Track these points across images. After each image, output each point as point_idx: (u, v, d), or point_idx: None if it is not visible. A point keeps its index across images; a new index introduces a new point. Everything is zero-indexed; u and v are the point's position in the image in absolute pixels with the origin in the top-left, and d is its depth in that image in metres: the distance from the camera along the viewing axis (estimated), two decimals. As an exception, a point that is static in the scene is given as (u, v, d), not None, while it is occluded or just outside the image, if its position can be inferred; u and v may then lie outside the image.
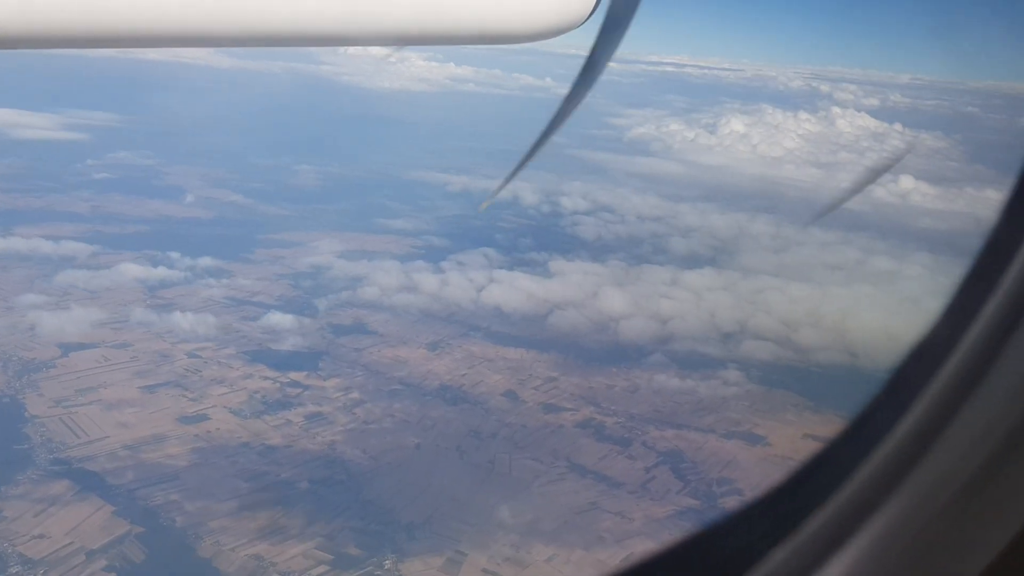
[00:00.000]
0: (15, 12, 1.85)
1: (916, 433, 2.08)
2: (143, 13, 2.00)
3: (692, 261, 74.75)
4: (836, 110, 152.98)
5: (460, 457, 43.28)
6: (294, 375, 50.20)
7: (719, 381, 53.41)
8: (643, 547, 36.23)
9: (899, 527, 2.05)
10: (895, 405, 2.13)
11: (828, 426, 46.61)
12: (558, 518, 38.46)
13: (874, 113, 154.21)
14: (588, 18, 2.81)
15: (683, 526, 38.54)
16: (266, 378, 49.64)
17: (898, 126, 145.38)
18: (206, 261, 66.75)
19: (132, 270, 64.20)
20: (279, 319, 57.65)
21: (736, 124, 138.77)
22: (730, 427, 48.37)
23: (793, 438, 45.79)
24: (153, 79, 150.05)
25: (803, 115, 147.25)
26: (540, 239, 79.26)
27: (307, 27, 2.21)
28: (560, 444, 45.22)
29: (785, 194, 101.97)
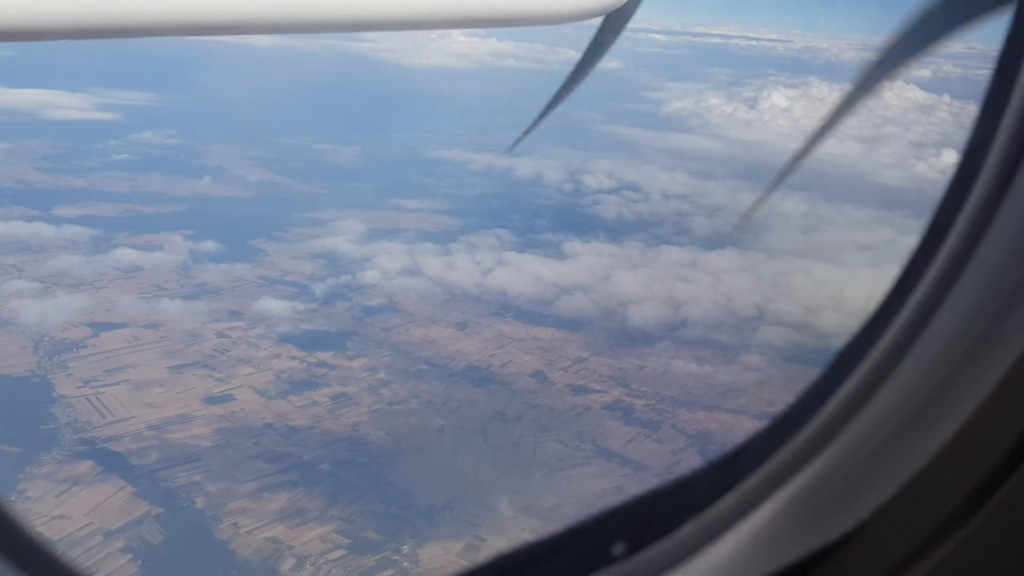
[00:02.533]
0: (48, 4, 1.80)
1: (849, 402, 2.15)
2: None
3: (717, 241, 73.18)
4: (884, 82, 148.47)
5: (484, 440, 42.85)
6: (321, 355, 50.12)
7: (752, 362, 52.35)
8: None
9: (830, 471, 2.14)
10: (834, 379, 2.19)
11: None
12: (581, 502, 37.89)
13: (924, 85, 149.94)
14: None
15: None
16: (293, 358, 49.65)
17: (947, 97, 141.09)
18: (239, 240, 66.93)
19: (166, 249, 64.63)
20: (308, 298, 57.64)
21: (778, 98, 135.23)
22: (764, 408, 47.40)
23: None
24: (190, 58, 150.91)
25: (850, 88, 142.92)
26: (562, 219, 78.21)
27: (343, 13, 2.17)
28: (587, 427, 44.64)
29: (822, 170, 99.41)
